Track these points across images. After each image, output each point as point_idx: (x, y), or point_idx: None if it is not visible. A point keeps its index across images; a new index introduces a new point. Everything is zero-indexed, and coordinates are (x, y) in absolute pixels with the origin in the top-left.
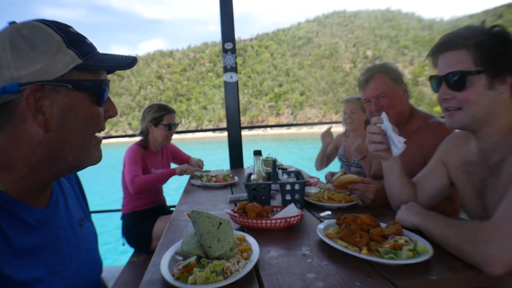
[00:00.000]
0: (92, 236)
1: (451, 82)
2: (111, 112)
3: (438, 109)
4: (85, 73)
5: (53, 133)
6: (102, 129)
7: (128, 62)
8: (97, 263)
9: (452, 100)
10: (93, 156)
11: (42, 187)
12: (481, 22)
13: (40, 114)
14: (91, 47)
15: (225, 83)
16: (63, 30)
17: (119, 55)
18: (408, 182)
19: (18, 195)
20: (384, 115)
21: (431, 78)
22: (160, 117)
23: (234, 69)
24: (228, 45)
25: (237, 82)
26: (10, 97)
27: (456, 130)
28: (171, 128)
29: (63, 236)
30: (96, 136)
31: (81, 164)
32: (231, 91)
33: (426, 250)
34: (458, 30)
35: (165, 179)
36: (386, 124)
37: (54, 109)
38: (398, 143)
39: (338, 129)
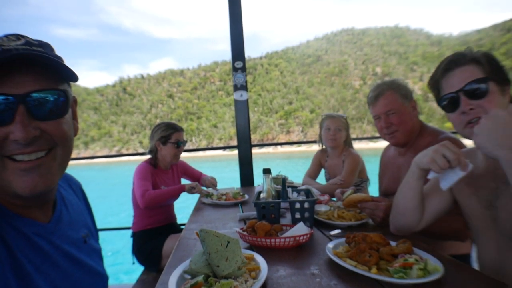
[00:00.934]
0: (95, 253)
1: (472, 92)
2: (15, 134)
3: (449, 124)
4: None
5: None
6: (9, 152)
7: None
8: (100, 280)
9: (477, 110)
10: (14, 183)
11: (31, 204)
12: (467, 48)
13: None
14: None
15: (235, 101)
16: None
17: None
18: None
19: (16, 210)
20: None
21: (442, 98)
22: (168, 135)
23: (244, 87)
24: (238, 64)
25: (247, 100)
26: None
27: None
28: (179, 146)
29: (63, 251)
30: (12, 159)
31: (9, 191)
32: (242, 109)
33: (436, 269)
34: (455, 53)
35: (175, 194)
36: (460, 173)
37: None
38: (452, 179)
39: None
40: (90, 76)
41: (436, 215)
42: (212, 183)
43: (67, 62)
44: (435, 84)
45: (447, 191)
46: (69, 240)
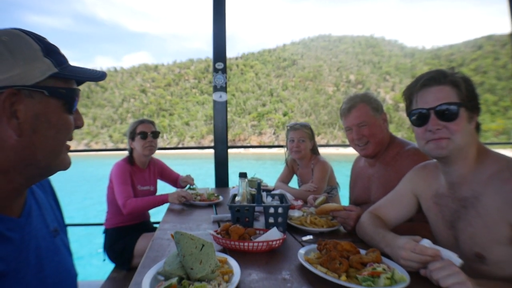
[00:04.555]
0: (64, 248)
1: (443, 113)
2: (79, 122)
3: None
4: (58, 82)
5: (26, 138)
6: (71, 138)
7: (98, 75)
8: (68, 276)
9: (442, 130)
10: (64, 162)
11: (15, 194)
12: (450, 68)
13: (14, 118)
14: (64, 58)
15: (214, 102)
16: (41, 40)
17: (89, 69)
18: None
19: None
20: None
21: (413, 111)
22: (134, 130)
23: (224, 88)
24: (219, 65)
25: (226, 101)
26: None
27: (427, 161)
28: (146, 136)
29: (34, 246)
30: (63, 144)
31: (52, 169)
32: (220, 110)
33: (403, 278)
34: (437, 70)
35: (157, 205)
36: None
37: (28, 114)
38: None
39: (324, 150)
40: None
41: (400, 222)
42: (188, 181)
43: None
44: (410, 95)
45: (413, 205)
46: (39, 235)
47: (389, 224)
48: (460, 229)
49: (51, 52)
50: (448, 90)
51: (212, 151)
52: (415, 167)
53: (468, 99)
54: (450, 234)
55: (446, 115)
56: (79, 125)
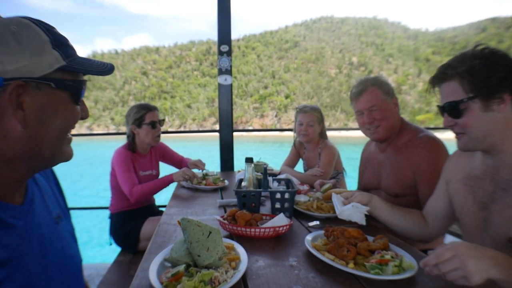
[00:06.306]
0: (68, 235)
1: (449, 111)
2: (84, 113)
3: (420, 117)
4: (66, 74)
5: (32, 129)
6: (73, 127)
7: (106, 69)
8: (72, 262)
9: (455, 126)
10: (65, 153)
11: (18, 183)
12: (473, 46)
13: (19, 109)
14: (73, 50)
15: (219, 85)
16: (50, 31)
17: (96, 61)
18: (399, 211)
19: None
20: (333, 195)
21: (438, 107)
22: (142, 117)
23: (229, 71)
24: (224, 48)
25: (231, 85)
26: None
27: None
28: (155, 126)
29: (37, 233)
30: (68, 134)
31: (55, 160)
32: (225, 94)
33: (411, 266)
34: (449, 61)
35: (163, 187)
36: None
37: (34, 105)
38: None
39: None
40: None
41: (445, 216)
42: (199, 167)
43: None
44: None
45: (444, 193)
46: (42, 222)
47: (434, 221)
48: (494, 212)
49: (59, 44)
50: (453, 86)
51: (214, 133)
52: (450, 156)
53: (480, 87)
54: (480, 216)
55: (453, 113)
56: (83, 116)
